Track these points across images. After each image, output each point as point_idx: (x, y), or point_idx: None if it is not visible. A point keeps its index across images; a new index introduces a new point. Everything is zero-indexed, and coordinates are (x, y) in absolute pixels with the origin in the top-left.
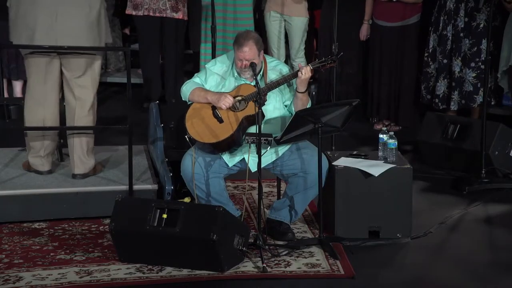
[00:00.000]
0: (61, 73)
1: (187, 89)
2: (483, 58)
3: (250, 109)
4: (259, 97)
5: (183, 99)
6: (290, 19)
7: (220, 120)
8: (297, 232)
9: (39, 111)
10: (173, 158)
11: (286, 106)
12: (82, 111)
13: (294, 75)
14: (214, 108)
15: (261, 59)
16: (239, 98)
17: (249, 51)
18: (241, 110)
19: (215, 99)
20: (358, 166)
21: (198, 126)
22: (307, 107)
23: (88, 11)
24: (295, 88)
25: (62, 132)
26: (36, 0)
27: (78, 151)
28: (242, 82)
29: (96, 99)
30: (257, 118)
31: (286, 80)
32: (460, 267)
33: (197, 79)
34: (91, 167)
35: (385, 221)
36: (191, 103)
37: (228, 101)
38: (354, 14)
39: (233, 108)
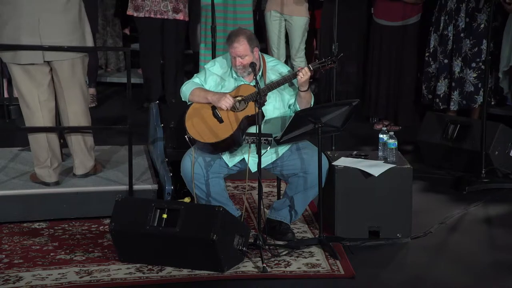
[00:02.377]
0: (51, 77)
1: (187, 89)
2: (484, 58)
3: (250, 109)
4: (260, 97)
5: (183, 100)
6: (290, 19)
7: (220, 120)
8: (297, 232)
9: (38, 121)
10: (173, 158)
11: (290, 106)
12: (76, 115)
13: (294, 75)
14: (214, 108)
15: (257, 56)
16: (239, 98)
17: (240, 46)
18: (241, 110)
19: (215, 99)
20: (358, 166)
21: (198, 126)
22: (311, 103)
23: (68, 15)
24: (296, 87)
25: (62, 132)
26: (18, 10)
27: (78, 153)
28: (242, 83)
29: (88, 97)
30: (257, 118)
31: (286, 81)
32: (460, 267)
33: (196, 79)
34: (91, 167)
35: (385, 221)
36: (191, 103)
37: (228, 101)
38: (354, 13)
39: (233, 108)
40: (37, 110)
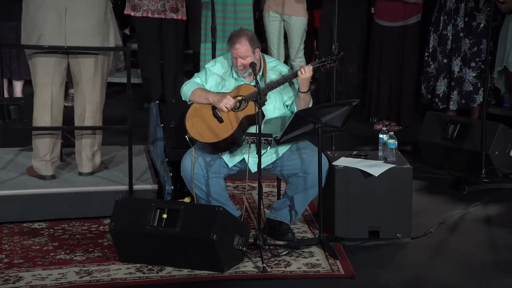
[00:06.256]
0: (68, 73)
1: (187, 89)
2: (483, 58)
3: (250, 109)
4: (259, 97)
5: (183, 99)
6: (289, 19)
7: (220, 120)
8: (297, 232)
9: (47, 114)
10: (173, 158)
11: (287, 106)
12: (92, 112)
13: (294, 74)
14: (214, 108)
15: (258, 57)
16: (240, 98)
17: (242, 47)
18: (241, 110)
19: (216, 100)
20: (358, 166)
21: (198, 126)
22: (310, 106)
23: (96, 10)
24: (296, 88)
25: (62, 132)
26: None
27: (87, 151)
28: (242, 83)
29: (104, 98)
30: (257, 118)
31: (286, 80)
32: (460, 267)
33: (197, 79)
34: (97, 165)
35: (385, 221)
36: (191, 103)
37: (229, 102)
38: (354, 13)
39: (233, 108)
40: (46, 106)
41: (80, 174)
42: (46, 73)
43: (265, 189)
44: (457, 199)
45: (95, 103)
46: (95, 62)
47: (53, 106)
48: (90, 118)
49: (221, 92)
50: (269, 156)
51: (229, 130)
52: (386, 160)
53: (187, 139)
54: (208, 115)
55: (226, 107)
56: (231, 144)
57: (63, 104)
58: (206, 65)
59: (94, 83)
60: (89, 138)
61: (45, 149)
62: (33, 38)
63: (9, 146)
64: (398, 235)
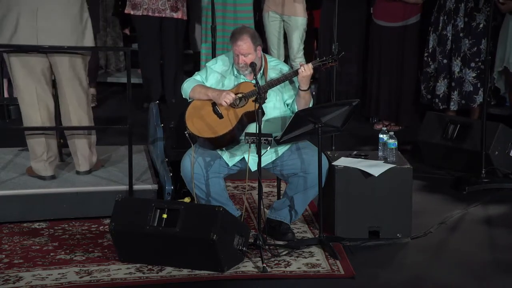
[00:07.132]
0: (51, 72)
1: (188, 87)
2: (483, 58)
3: (250, 106)
4: (259, 97)
5: (183, 97)
6: (288, 19)
7: (220, 116)
8: (297, 232)
9: (35, 114)
10: (173, 158)
11: (287, 105)
12: (76, 110)
13: (295, 73)
14: (214, 104)
15: (259, 55)
16: (240, 95)
17: (244, 44)
18: (241, 107)
19: (216, 96)
20: (358, 166)
21: (198, 123)
22: (309, 105)
23: (69, 9)
24: (296, 87)
25: (61, 131)
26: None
27: (81, 149)
28: (242, 81)
29: (89, 94)
30: (257, 117)
31: (286, 78)
32: (460, 267)
33: (197, 76)
34: (95, 162)
35: (385, 221)
36: (191, 101)
37: (229, 97)
38: (354, 14)
39: (233, 105)
40: (34, 106)
41: (78, 173)
42: (27, 74)
43: (265, 189)
44: (457, 199)
45: (77, 102)
46: (72, 61)
47: (41, 106)
48: (75, 117)
49: (221, 89)
50: (269, 155)
51: (228, 126)
52: (386, 160)
53: (187, 135)
54: (208, 111)
55: (226, 102)
56: (230, 140)
57: (53, 103)
58: (207, 63)
59: (74, 81)
60: (82, 137)
61: (40, 149)
62: (4, 36)
63: (9, 146)
64: (398, 235)
